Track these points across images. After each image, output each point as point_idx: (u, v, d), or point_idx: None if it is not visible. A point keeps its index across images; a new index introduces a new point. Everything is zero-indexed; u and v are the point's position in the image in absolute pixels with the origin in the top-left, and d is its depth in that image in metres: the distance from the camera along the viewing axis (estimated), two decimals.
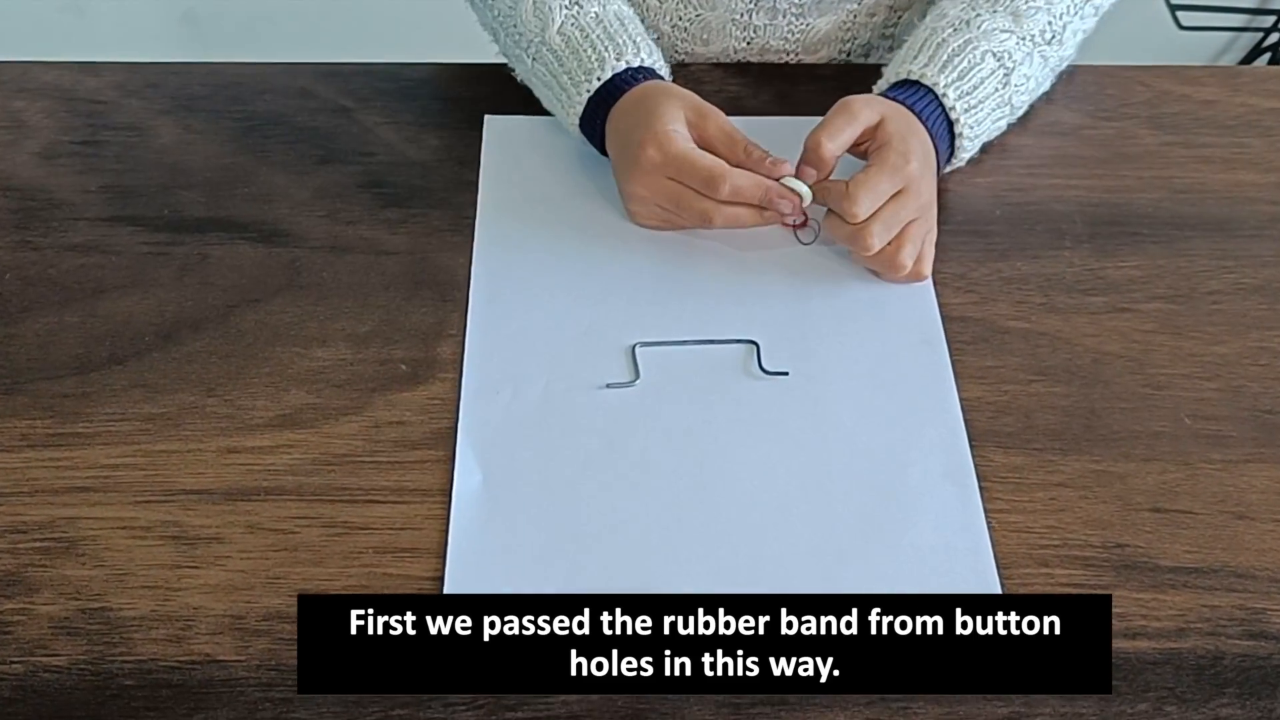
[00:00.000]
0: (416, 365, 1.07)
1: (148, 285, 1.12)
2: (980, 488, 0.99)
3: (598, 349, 1.08)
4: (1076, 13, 1.24)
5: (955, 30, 1.19)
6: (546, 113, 1.25)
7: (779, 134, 1.15)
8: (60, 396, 1.04)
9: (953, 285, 1.14)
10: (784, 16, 1.33)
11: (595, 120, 1.17)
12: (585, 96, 1.17)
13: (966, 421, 1.03)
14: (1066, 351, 1.09)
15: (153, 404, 1.04)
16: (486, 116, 1.27)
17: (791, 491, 0.99)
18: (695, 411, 1.04)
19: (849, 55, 1.40)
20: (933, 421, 1.04)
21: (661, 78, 1.19)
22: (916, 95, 1.16)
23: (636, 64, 1.17)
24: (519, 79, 1.26)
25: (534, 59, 1.20)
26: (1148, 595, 0.94)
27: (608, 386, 1.05)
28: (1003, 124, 1.23)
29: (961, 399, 1.05)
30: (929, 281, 1.14)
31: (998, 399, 1.05)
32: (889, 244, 1.10)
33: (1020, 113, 1.24)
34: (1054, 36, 1.23)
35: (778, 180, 1.11)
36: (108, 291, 1.12)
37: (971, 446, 1.02)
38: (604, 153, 1.19)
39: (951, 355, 1.08)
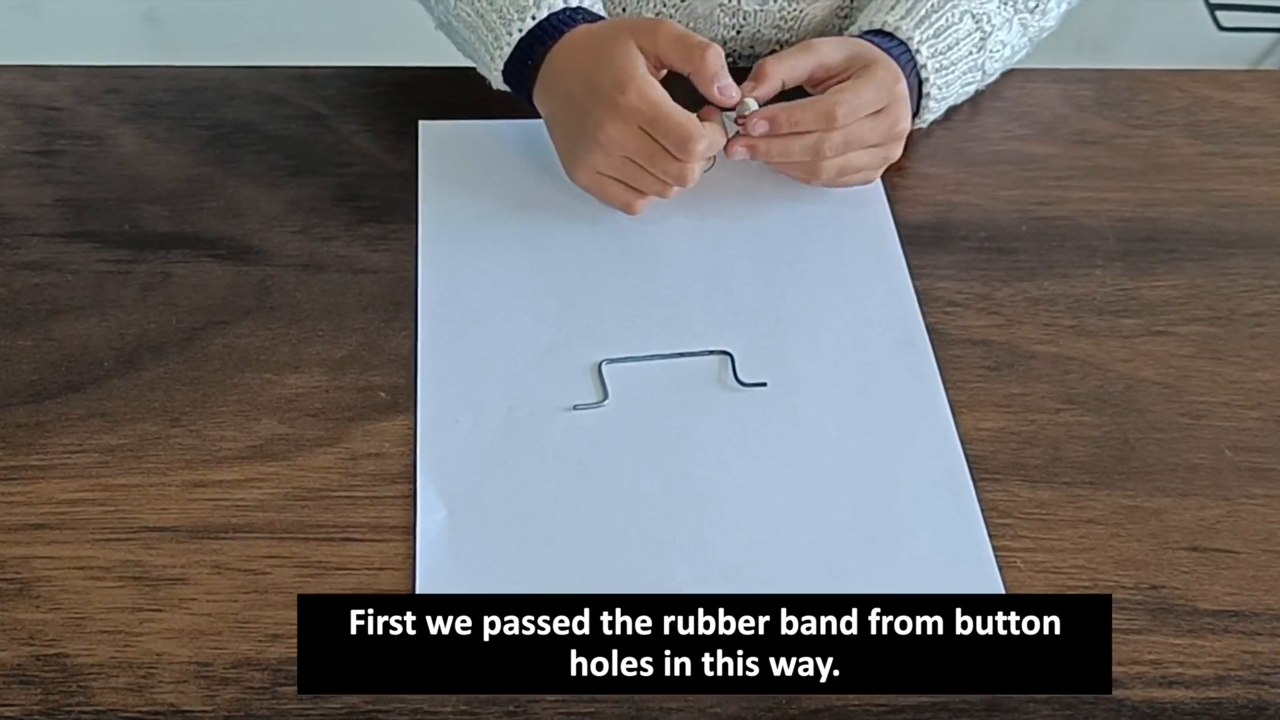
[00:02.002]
0: (397, 393, 1.07)
1: (107, 306, 1.13)
2: (1005, 524, 1.00)
3: (561, 369, 1.09)
4: None
5: None
6: (486, 115, 1.27)
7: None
8: (12, 426, 1.05)
9: (975, 306, 1.14)
10: (774, 1, 1.34)
11: (524, 65, 1.18)
12: (516, 36, 1.18)
13: (988, 453, 1.04)
14: (1098, 378, 1.10)
15: (112, 435, 1.04)
16: (421, 123, 1.28)
17: (780, 507, 1.00)
18: (672, 430, 1.05)
19: None
20: (922, 425, 1.05)
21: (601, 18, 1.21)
22: (888, 47, 1.19)
23: (575, 2, 1.19)
24: (434, 24, 1.29)
25: None
26: (1185, 641, 0.95)
27: (575, 408, 1.06)
28: (971, 89, 1.27)
29: (984, 429, 1.06)
30: (908, 279, 1.16)
31: (1023, 429, 1.06)
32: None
33: (988, 82, 1.27)
34: (1037, 5, 1.27)
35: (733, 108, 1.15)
36: (63, 313, 1.12)
37: (995, 478, 1.02)
38: (530, 101, 1.20)
39: (943, 372, 1.09)
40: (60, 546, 0.98)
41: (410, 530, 0.98)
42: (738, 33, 1.37)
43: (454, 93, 1.31)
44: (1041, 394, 1.09)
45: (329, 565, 0.97)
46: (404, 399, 1.06)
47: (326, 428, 1.05)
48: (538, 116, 1.21)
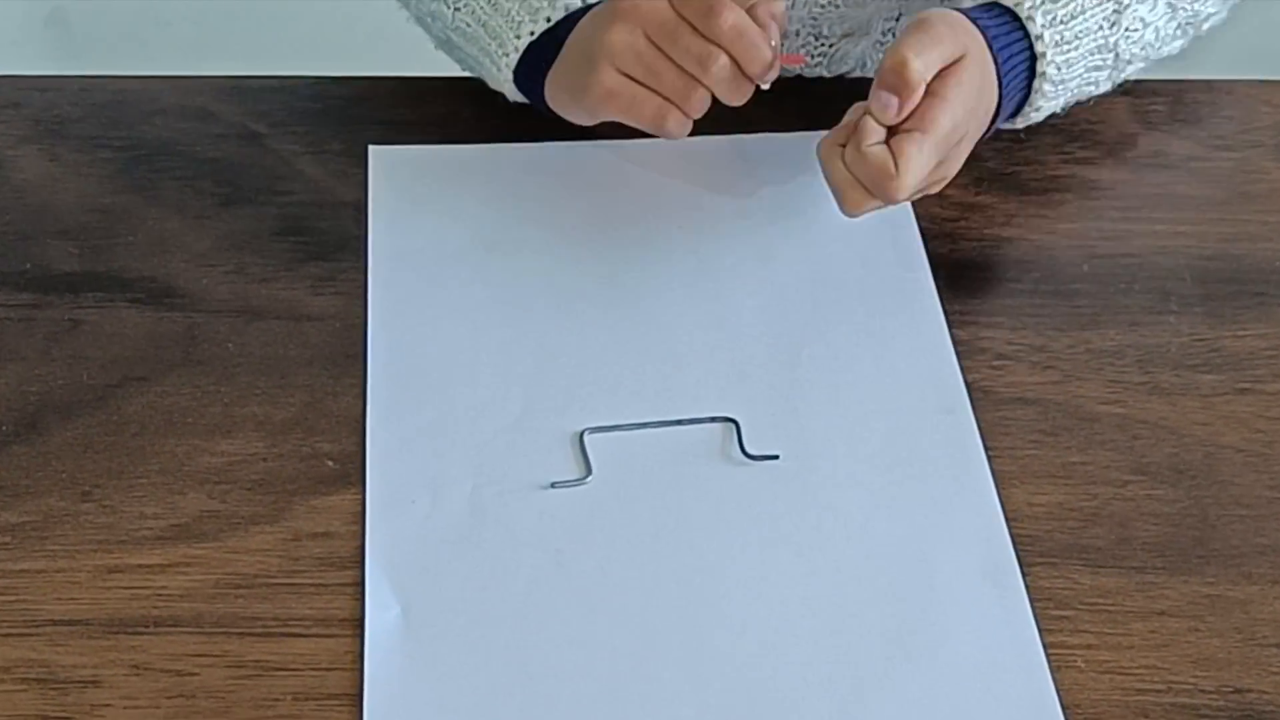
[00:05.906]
0: (347, 462, 1.08)
1: (5, 359, 1.14)
2: (1064, 616, 1.01)
3: (536, 439, 1.09)
4: None
5: None
6: (452, 133, 1.28)
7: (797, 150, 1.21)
8: None
9: (1028, 360, 1.15)
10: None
11: (536, 68, 1.20)
12: (528, 38, 1.19)
13: (1043, 533, 1.05)
14: (1172, 444, 1.11)
15: (11, 511, 1.05)
16: (371, 148, 1.29)
17: (793, 605, 1.01)
18: (666, 512, 1.06)
19: None
20: (962, 508, 1.06)
21: None
22: (988, 18, 1.15)
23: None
24: (434, 43, 1.32)
25: (457, 8, 1.23)
26: None
27: (552, 486, 1.06)
28: (1101, 79, 1.22)
29: (1039, 504, 1.07)
30: (946, 334, 1.16)
31: (1085, 504, 1.07)
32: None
33: (1126, 73, 1.25)
34: None
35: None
36: None
37: (1051, 562, 1.03)
38: (544, 107, 1.22)
39: (985, 436, 1.10)
40: None
41: (362, 624, 0.99)
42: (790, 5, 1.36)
43: (411, 108, 1.32)
44: (1106, 463, 1.09)
45: (268, 665, 0.97)
46: (355, 470, 1.07)
47: (264, 503, 1.06)
48: (514, 139, 1.23)
